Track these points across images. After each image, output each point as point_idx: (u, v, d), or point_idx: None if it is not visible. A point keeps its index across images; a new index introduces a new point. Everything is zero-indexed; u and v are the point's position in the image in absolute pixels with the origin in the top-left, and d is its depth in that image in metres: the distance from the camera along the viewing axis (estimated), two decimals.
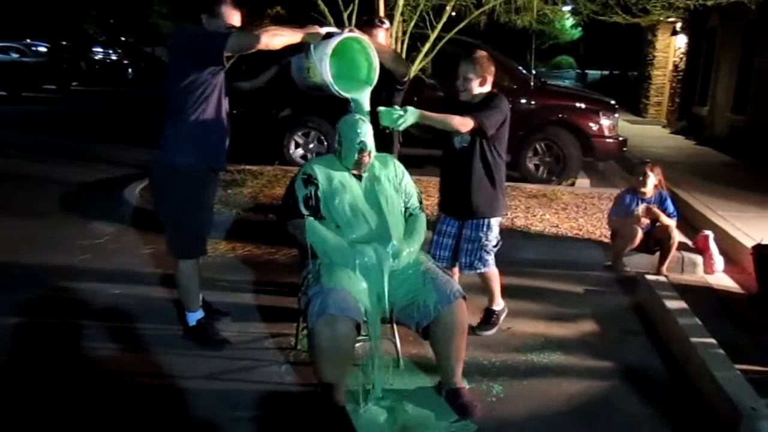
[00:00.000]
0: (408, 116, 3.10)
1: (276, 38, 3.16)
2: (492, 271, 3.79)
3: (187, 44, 3.31)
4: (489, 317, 3.89)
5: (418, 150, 6.50)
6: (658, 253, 4.97)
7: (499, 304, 3.90)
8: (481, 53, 3.64)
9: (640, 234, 4.88)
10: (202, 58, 3.22)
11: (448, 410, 2.95)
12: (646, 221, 4.93)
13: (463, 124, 3.37)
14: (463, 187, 3.63)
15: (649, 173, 4.98)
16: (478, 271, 3.73)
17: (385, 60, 3.53)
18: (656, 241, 4.94)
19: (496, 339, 3.78)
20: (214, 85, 3.30)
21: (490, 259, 3.74)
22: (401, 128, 3.19)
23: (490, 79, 3.62)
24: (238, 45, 3.14)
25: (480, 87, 3.59)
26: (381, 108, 3.16)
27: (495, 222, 3.71)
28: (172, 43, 3.50)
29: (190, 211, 3.42)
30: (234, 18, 3.32)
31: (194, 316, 3.58)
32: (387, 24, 3.92)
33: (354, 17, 6.07)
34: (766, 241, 4.76)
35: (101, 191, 6.95)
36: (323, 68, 3.18)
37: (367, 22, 3.91)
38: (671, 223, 4.92)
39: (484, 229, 3.66)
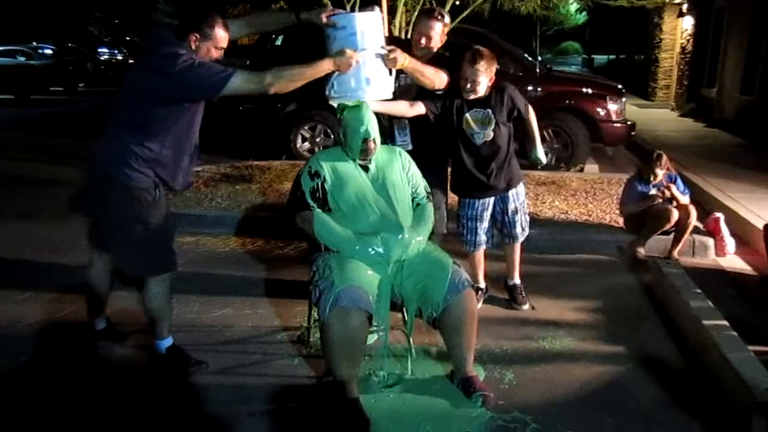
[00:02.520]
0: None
1: (291, 83, 2.96)
2: None
3: (178, 71, 2.84)
4: (520, 291, 4.09)
5: None
6: (671, 236, 4.93)
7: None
8: (484, 51, 3.63)
9: (676, 214, 4.80)
10: (194, 93, 2.93)
11: (461, 398, 2.96)
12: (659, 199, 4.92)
13: (534, 119, 3.85)
14: (497, 167, 3.80)
15: (658, 171, 4.95)
16: (527, 233, 4.05)
17: (424, 83, 3.48)
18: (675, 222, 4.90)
19: (507, 326, 3.78)
20: (193, 108, 3.05)
21: (529, 218, 4.10)
22: None
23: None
24: (236, 90, 2.88)
25: (488, 85, 3.68)
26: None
27: (522, 185, 4.02)
28: (153, 62, 2.95)
29: (154, 223, 3.06)
30: (225, 42, 3.04)
31: (165, 343, 3.27)
32: (447, 20, 3.71)
33: (357, 10, 6.06)
34: None
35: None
36: (331, 100, 3.16)
37: (427, 11, 3.78)
38: (686, 200, 4.91)
39: (522, 193, 3.98)
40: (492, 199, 3.91)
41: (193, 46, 2.96)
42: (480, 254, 4.03)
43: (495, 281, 4.21)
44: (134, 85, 3.01)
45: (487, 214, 3.93)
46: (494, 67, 3.65)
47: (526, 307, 4.01)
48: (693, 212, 4.82)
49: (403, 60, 3.23)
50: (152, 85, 2.91)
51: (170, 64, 2.85)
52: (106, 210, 3.07)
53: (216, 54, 3.03)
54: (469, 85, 3.62)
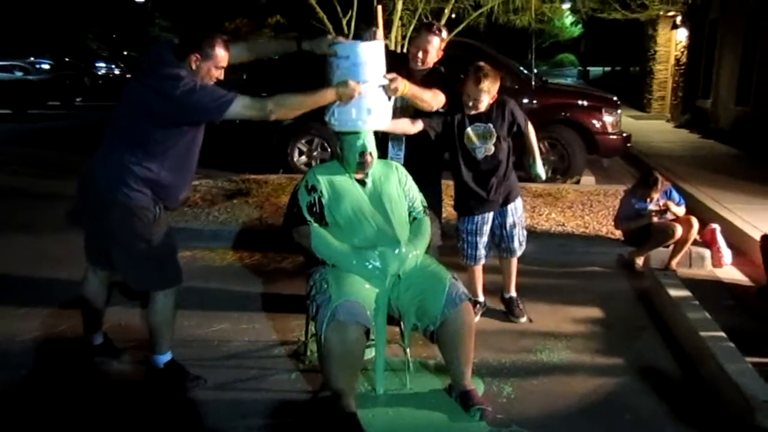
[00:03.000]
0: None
1: (293, 112, 3.00)
2: None
3: (180, 94, 2.82)
4: (517, 304, 4.09)
5: None
6: (670, 248, 4.93)
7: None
8: (489, 71, 3.63)
9: (679, 230, 4.80)
10: (195, 116, 2.92)
11: (460, 412, 2.96)
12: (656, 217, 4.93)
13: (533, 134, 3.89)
14: (497, 182, 3.81)
15: (654, 195, 4.96)
16: (523, 248, 4.04)
17: (422, 107, 3.50)
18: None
19: (505, 339, 3.78)
20: (193, 131, 3.04)
21: (526, 233, 4.09)
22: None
23: None
24: (237, 115, 2.87)
25: (490, 101, 3.71)
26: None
27: (521, 199, 4.03)
28: (154, 83, 2.90)
29: (157, 239, 3.07)
30: (225, 61, 3.03)
31: (164, 359, 3.25)
32: (445, 34, 3.72)
33: (353, 23, 6.09)
34: None
35: None
36: (331, 126, 3.19)
37: (427, 25, 3.80)
38: (682, 211, 4.94)
39: (521, 207, 3.99)
40: (491, 213, 3.91)
41: (194, 66, 2.94)
42: (479, 268, 4.04)
43: (492, 293, 4.20)
44: (133, 103, 2.99)
45: (487, 229, 3.93)
46: (497, 85, 3.67)
47: (523, 319, 4.01)
48: (695, 224, 4.83)
49: (403, 87, 3.24)
50: (152, 106, 2.89)
51: (172, 87, 2.83)
52: (109, 228, 3.05)
53: (216, 73, 3.03)
54: (471, 103, 3.65)
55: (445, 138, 3.73)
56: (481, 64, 3.70)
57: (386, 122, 3.25)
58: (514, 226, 3.94)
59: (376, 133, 3.29)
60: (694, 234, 4.83)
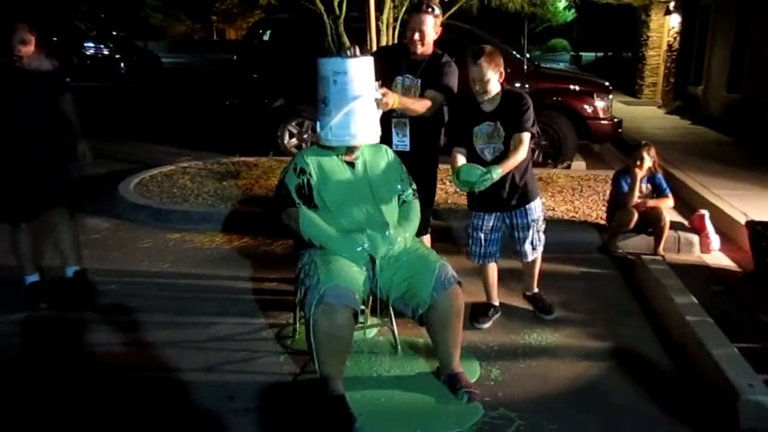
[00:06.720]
0: (492, 175, 3.27)
1: None
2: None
3: None
4: (541, 299, 4.00)
5: None
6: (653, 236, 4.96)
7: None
8: (489, 47, 3.47)
9: (635, 216, 4.89)
10: None
11: (447, 395, 2.97)
12: (639, 201, 4.94)
13: (522, 151, 3.45)
14: (505, 185, 3.59)
15: (646, 156, 4.97)
16: (538, 253, 3.85)
17: (413, 114, 3.50)
18: (649, 223, 4.94)
19: (493, 322, 3.78)
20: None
21: (544, 238, 3.87)
22: (482, 187, 3.28)
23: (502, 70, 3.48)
24: None
25: (498, 82, 3.47)
26: (461, 166, 3.33)
27: (539, 201, 3.80)
28: None
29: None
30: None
31: (27, 279, 4.02)
32: (438, 11, 3.58)
33: (344, 5, 6.03)
34: (758, 218, 4.76)
35: (96, 186, 6.93)
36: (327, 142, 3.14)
37: (416, 6, 3.61)
38: (661, 203, 4.94)
39: (537, 210, 3.76)
40: (503, 213, 3.72)
41: None
42: (490, 271, 3.85)
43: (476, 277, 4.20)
44: None
45: (495, 227, 3.73)
46: (498, 59, 3.43)
47: (552, 316, 3.87)
48: (664, 214, 4.87)
49: (394, 100, 3.25)
50: None
51: None
52: None
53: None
54: (478, 86, 3.43)
55: (459, 130, 3.61)
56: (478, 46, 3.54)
57: (377, 136, 3.20)
58: (527, 228, 3.72)
59: (382, 120, 3.26)
60: (666, 220, 4.84)
